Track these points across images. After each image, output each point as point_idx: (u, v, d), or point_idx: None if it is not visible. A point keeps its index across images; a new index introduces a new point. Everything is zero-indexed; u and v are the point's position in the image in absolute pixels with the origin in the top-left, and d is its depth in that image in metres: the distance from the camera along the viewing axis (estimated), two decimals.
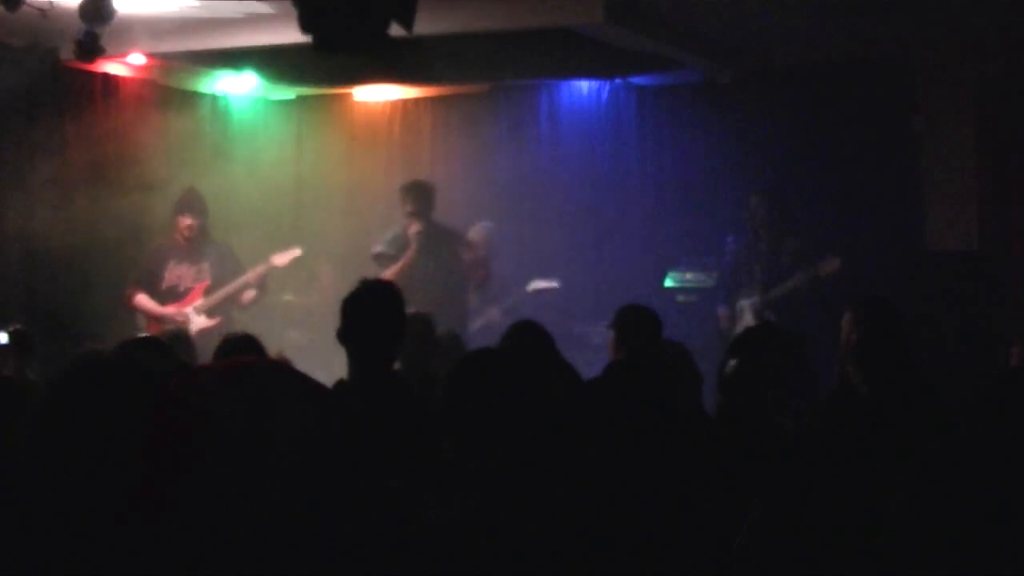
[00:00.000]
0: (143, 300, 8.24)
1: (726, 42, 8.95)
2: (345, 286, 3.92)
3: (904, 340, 4.39)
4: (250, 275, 8.43)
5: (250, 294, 8.43)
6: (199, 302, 8.26)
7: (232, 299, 8.37)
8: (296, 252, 8.68)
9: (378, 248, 8.55)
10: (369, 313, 3.76)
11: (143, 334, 7.35)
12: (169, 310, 8.17)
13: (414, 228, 8.34)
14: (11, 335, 6.44)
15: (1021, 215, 8.77)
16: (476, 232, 9.13)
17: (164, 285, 8.30)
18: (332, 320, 3.88)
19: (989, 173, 8.83)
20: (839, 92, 9.05)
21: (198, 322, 8.16)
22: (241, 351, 4.92)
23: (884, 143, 9.01)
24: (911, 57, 8.97)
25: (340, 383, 3.74)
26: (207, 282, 8.33)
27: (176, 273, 8.32)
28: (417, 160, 10.51)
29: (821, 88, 9.11)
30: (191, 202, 8.44)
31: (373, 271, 7.98)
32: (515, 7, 7.67)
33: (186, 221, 8.36)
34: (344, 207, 10.61)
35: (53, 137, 8.79)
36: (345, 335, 3.75)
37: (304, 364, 5.60)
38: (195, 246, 8.38)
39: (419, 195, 8.46)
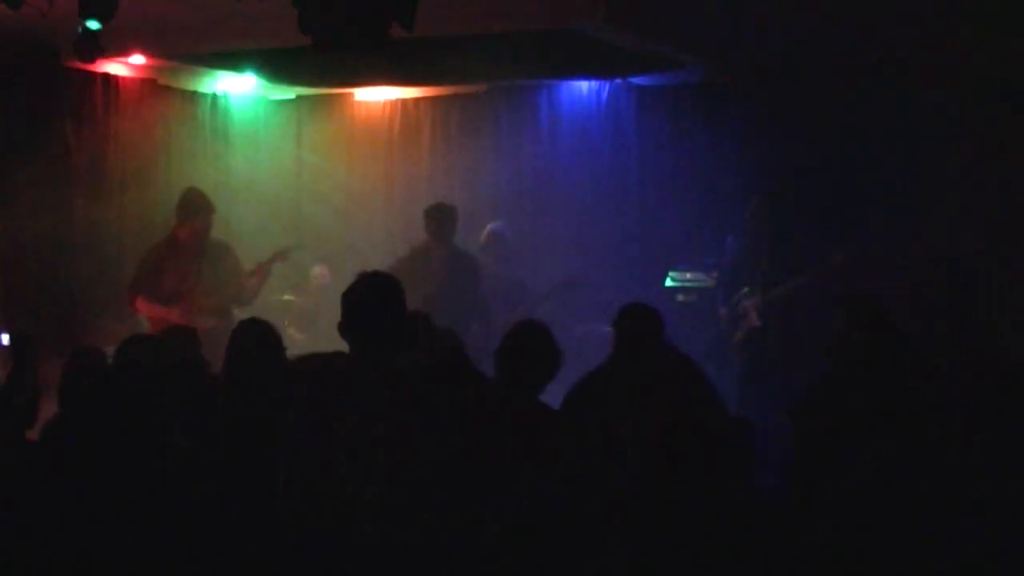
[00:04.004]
0: (144, 303, 8.22)
1: (726, 42, 8.96)
2: (344, 285, 3.91)
3: (902, 339, 4.40)
4: (258, 271, 8.42)
5: (248, 294, 8.41)
6: (201, 303, 8.25)
7: (235, 296, 8.37)
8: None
9: (395, 265, 8.55)
10: (369, 305, 3.75)
11: (143, 333, 7.35)
12: (174, 311, 8.17)
13: (438, 254, 8.50)
14: (12, 336, 6.44)
15: (1020, 215, 8.77)
16: (487, 233, 9.15)
17: (166, 287, 8.27)
18: (331, 319, 3.88)
19: (989, 173, 8.83)
20: (839, 92, 9.05)
21: (203, 321, 8.16)
22: (258, 335, 4.97)
23: (884, 143, 9.01)
24: (911, 57, 8.97)
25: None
26: (208, 280, 8.31)
27: (176, 274, 8.29)
28: (417, 160, 10.53)
29: (821, 88, 9.12)
30: (196, 204, 8.36)
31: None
32: (515, 7, 7.67)
33: (199, 224, 8.27)
34: (344, 207, 10.62)
35: (53, 137, 8.80)
36: (346, 329, 3.74)
37: None
38: (195, 246, 8.34)
39: (444, 218, 8.55)
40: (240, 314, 8.24)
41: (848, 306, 4.59)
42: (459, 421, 3.84)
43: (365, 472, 3.46)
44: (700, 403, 4.85)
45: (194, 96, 10.21)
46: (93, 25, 6.57)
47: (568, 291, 8.90)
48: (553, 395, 4.81)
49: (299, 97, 10.96)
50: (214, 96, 10.37)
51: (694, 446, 4.21)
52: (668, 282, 9.17)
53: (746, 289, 8.57)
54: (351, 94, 10.79)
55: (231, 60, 9.42)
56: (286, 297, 9.79)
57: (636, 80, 9.79)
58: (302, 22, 5.58)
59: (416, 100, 10.62)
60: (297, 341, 8.87)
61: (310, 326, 9.20)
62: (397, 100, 10.67)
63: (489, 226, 9.22)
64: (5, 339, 6.53)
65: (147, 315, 8.15)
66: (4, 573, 3.23)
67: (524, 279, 9.17)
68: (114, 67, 9.27)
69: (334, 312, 3.84)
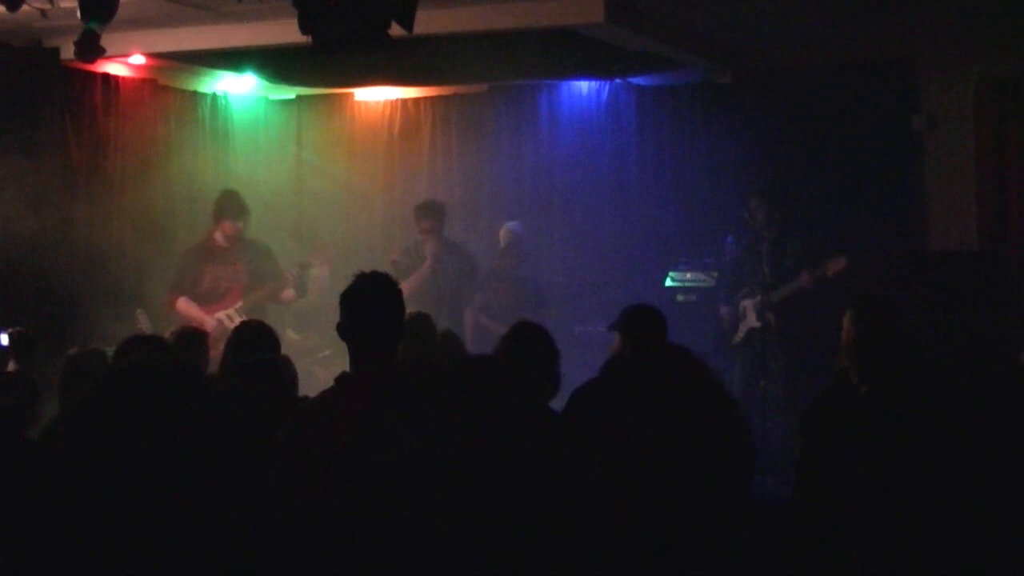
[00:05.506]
0: (185, 304, 8.27)
1: (726, 42, 8.96)
2: (344, 285, 3.91)
3: (903, 339, 4.40)
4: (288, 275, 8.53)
5: (289, 293, 8.48)
6: (239, 304, 8.29)
7: (272, 298, 8.43)
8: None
9: (395, 256, 8.88)
10: (367, 306, 3.75)
11: (145, 333, 7.35)
12: (211, 312, 8.22)
13: (429, 246, 8.67)
14: (11, 336, 6.44)
15: (1020, 215, 8.77)
16: (504, 233, 9.16)
17: (204, 287, 8.33)
18: (330, 319, 3.88)
19: (989, 173, 8.83)
20: (839, 92, 9.05)
21: (239, 322, 8.21)
22: (257, 339, 5.00)
23: (884, 143, 9.02)
24: (911, 57, 8.98)
25: (344, 376, 3.74)
26: (244, 282, 8.36)
27: (213, 275, 8.34)
28: (417, 160, 10.53)
29: (821, 88, 9.11)
30: (232, 206, 8.43)
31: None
32: (515, 7, 7.67)
33: (229, 227, 8.35)
34: (344, 207, 10.62)
35: (54, 137, 8.79)
36: (345, 329, 3.74)
37: (304, 363, 5.62)
38: (232, 247, 8.41)
39: (434, 214, 8.74)
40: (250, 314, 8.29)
41: (851, 307, 4.59)
42: (460, 421, 3.83)
43: (365, 472, 3.46)
44: (703, 404, 4.84)
45: (194, 96, 10.21)
46: (93, 25, 6.57)
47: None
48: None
49: (299, 97, 10.96)
50: (214, 96, 10.37)
51: (695, 447, 4.21)
52: (668, 282, 9.16)
53: (746, 289, 8.57)
54: (351, 94, 10.79)
55: (231, 60, 9.42)
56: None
57: (636, 80, 9.79)
58: (302, 22, 5.58)
59: (416, 100, 10.62)
60: (295, 342, 8.88)
61: (309, 326, 9.20)
62: (397, 100, 10.66)
63: (506, 225, 9.22)
64: (4, 339, 6.52)
65: (187, 317, 8.16)
66: (4, 573, 3.23)
67: (541, 279, 9.17)
68: (114, 67, 9.27)
69: (333, 312, 3.84)
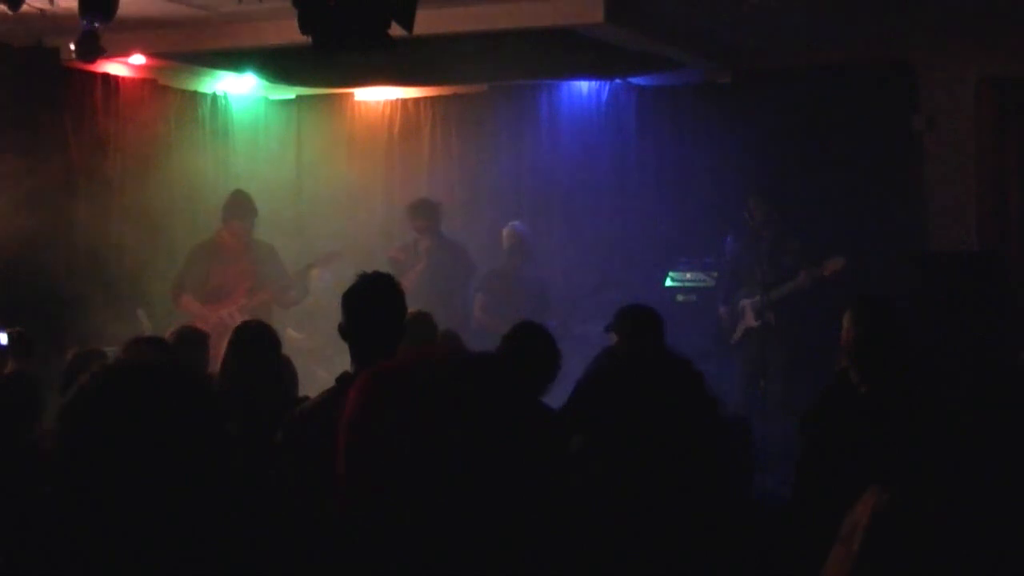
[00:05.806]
0: (189, 302, 8.32)
1: (726, 42, 8.96)
2: (345, 284, 3.92)
3: (902, 339, 4.39)
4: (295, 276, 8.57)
5: (293, 295, 8.50)
6: (243, 302, 8.31)
7: (277, 299, 8.45)
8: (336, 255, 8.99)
9: (392, 253, 8.97)
10: (369, 306, 3.77)
11: (147, 334, 7.35)
12: (214, 311, 8.23)
13: (424, 243, 8.74)
14: (11, 336, 6.44)
15: (1020, 215, 8.77)
16: (508, 233, 9.17)
17: (210, 286, 8.37)
18: (331, 319, 3.89)
19: (989, 173, 8.83)
20: (839, 92, 9.05)
21: (243, 320, 8.23)
22: (257, 339, 5.00)
23: (884, 143, 9.02)
24: (911, 57, 8.98)
25: (345, 375, 3.75)
26: (250, 282, 8.38)
27: (219, 273, 8.37)
28: (417, 160, 10.53)
29: (821, 88, 9.12)
30: (241, 207, 8.47)
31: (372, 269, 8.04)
32: (515, 7, 7.67)
33: (238, 227, 8.41)
34: (344, 207, 10.62)
35: (54, 137, 8.79)
36: (347, 329, 3.75)
37: (304, 362, 5.61)
38: (239, 247, 8.43)
39: (428, 212, 8.82)
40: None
41: (851, 307, 4.59)
42: (460, 420, 3.84)
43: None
44: (701, 404, 4.84)
45: (194, 96, 10.21)
46: (93, 25, 6.57)
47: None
48: (553, 396, 4.80)
49: (299, 97, 10.96)
50: (214, 96, 10.36)
51: (694, 447, 4.22)
52: (668, 282, 9.16)
53: (745, 288, 8.57)
54: (351, 94, 10.79)
55: (231, 60, 9.42)
56: None
57: (636, 80, 9.79)
58: (302, 22, 5.58)
59: (416, 100, 10.62)
60: (295, 340, 8.87)
61: (309, 326, 9.20)
62: (397, 100, 10.67)
63: (510, 225, 9.21)
64: (4, 339, 6.52)
65: (191, 314, 8.20)
66: (4, 573, 3.23)
67: (543, 279, 9.16)
68: (114, 67, 9.27)
69: (334, 312, 3.84)
